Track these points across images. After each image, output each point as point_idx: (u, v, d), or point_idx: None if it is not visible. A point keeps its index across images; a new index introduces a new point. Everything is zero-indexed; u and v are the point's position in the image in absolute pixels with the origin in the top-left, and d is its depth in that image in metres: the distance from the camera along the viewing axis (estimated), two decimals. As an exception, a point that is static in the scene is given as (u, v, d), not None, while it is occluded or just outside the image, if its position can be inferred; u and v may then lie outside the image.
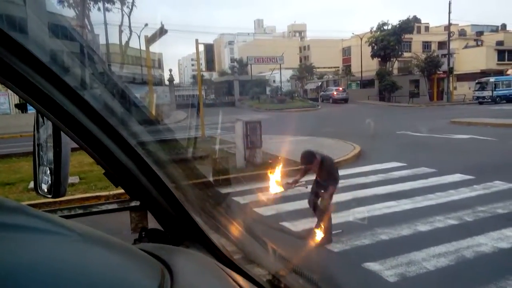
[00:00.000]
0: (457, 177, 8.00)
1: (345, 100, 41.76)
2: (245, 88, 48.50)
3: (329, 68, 68.33)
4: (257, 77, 54.39)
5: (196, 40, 14.56)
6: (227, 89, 48.13)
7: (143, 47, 18.21)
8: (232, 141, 10.69)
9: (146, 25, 20.66)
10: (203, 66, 15.40)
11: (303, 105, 38.62)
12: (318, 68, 63.47)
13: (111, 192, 6.60)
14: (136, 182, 1.07)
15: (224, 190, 7.46)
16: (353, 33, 52.32)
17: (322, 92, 48.17)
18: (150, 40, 18.07)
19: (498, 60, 45.13)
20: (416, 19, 49.44)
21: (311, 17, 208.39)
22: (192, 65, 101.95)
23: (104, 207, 1.30)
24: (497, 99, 33.55)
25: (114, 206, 1.28)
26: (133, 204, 1.16)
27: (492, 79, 35.41)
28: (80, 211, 1.29)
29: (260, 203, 6.69)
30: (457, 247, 4.58)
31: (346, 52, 60.76)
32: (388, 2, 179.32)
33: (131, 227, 1.19)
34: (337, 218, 5.60)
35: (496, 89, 34.34)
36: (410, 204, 6.37)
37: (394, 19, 66.52)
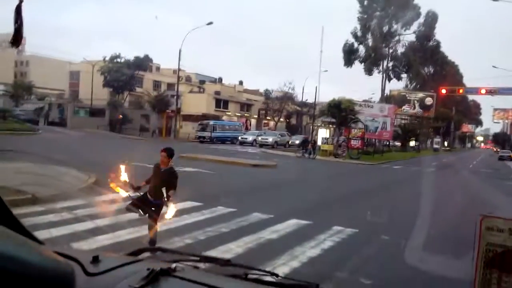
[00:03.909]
0: (188, 204, 8.87)
1: (57, 124, 42.11)
2: None
3: (52, 89, 62.71)
4: None
5: None
6: None
7: None
8: None
9: None
10: None
11: (19, 128, 33.72)
12: (39, 88, 57.22)
13: None
14: None
15: None
16: (84, 58, 50.00)
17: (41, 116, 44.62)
18: None
19: (216, 107, 53.23)
20: (148, 58, 52.50)
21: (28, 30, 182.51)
22: None
23: None
24: (214, 140, 39.62)
25: None
26: None
27: (211, 122, 41.65)
28: None
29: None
30: (195, 263, 5.15)
31: (75, 77, 57.67)
32: (123, 36, 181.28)
33: None
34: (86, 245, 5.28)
35: (214, 131, 40.57)
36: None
37: (128, 54, 68.26)
